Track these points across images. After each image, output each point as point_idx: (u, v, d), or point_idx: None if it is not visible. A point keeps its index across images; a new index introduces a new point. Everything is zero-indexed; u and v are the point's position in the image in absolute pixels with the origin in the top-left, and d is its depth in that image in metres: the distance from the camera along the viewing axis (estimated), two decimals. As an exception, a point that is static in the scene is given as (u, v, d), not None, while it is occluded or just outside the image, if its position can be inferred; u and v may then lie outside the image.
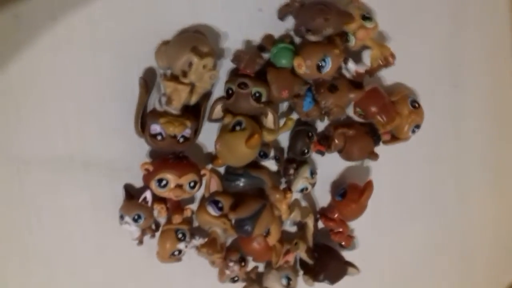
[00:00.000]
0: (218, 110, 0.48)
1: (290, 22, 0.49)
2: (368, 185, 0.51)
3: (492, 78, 0.59)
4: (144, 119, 0.45)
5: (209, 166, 0.49)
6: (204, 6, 0.47)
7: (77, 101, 0.45)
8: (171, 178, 0.44)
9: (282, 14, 0.49)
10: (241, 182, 0.48)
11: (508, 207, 0.63)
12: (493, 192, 0.61)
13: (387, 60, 0.50)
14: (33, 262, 0.46)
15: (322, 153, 0.52)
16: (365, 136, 0.52)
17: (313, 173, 0.51)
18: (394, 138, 0.53)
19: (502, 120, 0.60)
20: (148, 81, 0.45)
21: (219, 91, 0.48)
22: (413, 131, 0.53)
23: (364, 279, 0.54)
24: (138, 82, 0.45)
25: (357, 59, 0.50)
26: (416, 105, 0.53)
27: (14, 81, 0.43)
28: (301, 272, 0.54)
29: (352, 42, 0.49)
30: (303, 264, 0.53)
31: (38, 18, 0.43)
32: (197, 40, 0.44)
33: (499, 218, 0.62)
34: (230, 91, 0.46)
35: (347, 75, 0.51)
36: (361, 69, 0.50)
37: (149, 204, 0.45)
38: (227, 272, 0.49)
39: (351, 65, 0.50)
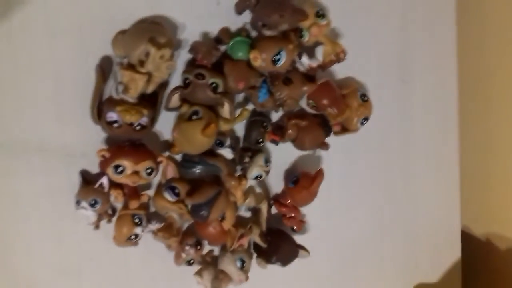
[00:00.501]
0: (175, 100, 0.49)
1: (247, 16, 0.50)
2: (319, 173, 0.54)
3: (438, 74, 0.63)
4: (100, 106, 0.45)
5: (166, 154, 0.51)
6: (163, -3, 0.48)
7: (33, 87, 0.45)
8: (127, 164, 0.45)
9: (240, 8, 0.50)
10: (197, 169, 0.49)
11: (448, 193, 0.67)
12: (435, 179, 0.65)
13: (338, 56, 0.53)
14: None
15: (276, 143, 0.54)
16: (317, 127, 0.54)
17: (267, 161, 0.54)
18: (344, 129, 0.56)
19: (445, 113, 0.64)
20: (105, 68, 0.46)
21: (176, 80, 0.49)
22: (362, 123, 0.56)
23: (314, 261, 0.57)
24: (95, 69, 0.45)
25: (311, 53, 0.53)
26: (366, 98, 0.56)
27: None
28: (254, 255, 0.56)
29: (306, 38, 0.51)
30: (256, 247, 0.56)
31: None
32: (155, 30, 0.45)
33: (440, 203, 0.66)
34: (187, 81, 0.47)
35: (301, 68, 0.53)
36: (314, 63, 0.52)
37: (106, 189, 0.46)
38: (183, 255, 0.51)
39: (305, 60, 0.52)
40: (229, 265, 0.53)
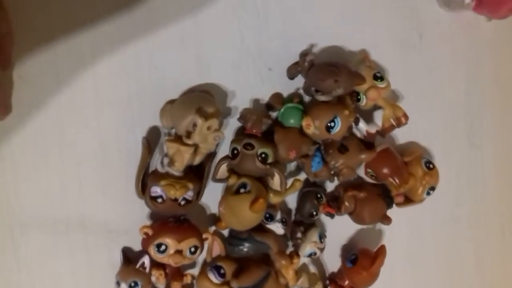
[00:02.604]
0: (223, 170, 0.46)
1: (299, 81, 0.48)
2: (381, 251, 0.48)
3: (510, 137, 0.57)
4: (145, 180, 0.43)
5: (212, 228, 0.47)
6: (213, 64, 0.47)
7: (77, 161, 0.44)
8: (170, 243, 0.42)
9: (292, 73, 0.48)
10: (245, 247, 0.46)
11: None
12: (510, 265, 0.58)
13: (399, 120, 0.49)
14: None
15: (331, 216, 0.50)
16: (377, 198, 0.49)
17: (322, 237, 0.49)
18: (408, 200, 0.51)
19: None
20: (151, 141, 0.44)
21: (224, 149, 0.47)
22: (428, 193, 0.50)
23: None
24: (141, 142, 0.44)
25: (369, 119, 0.49)
26: (431, 166, 0.50)
27: (14, 141, 0.43)
28: None
29: (363, 102, 0.48)
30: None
31: (41, 78, 0.43)
32: (203, 100, 0.43)
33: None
34: (236, 151, 0.45)
35: (358, 135, 0.49)
36: (373, 129, 0.48)
37: (147, 270, 0.43)
38: None
39: (362, 125, 0.48)
40: None
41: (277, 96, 0.48)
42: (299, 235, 0.48)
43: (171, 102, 0.45)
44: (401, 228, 0.53)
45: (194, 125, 0.42)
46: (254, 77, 0.48)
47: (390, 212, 0.50)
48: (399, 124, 0.49)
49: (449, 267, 0.55)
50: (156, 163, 0.44)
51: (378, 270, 0.49)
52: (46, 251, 0.44)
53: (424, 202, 0.51)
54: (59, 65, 0.43)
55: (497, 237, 0.57)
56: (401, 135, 0.53)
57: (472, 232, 0.56)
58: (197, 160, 0.44)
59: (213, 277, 0.44)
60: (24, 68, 0.42)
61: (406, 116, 0.49)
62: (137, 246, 0.45)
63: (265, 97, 0.48)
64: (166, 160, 0.43)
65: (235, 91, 0.48)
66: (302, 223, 0.49)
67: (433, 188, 0.50)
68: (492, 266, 0.57)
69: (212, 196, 0.47)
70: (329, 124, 0.44)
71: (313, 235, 0.48)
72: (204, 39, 0.47)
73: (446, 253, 0.55)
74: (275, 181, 0.46)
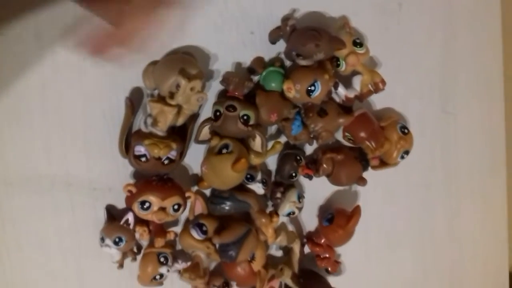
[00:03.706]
0: (205, 132, 0.47)
1: (281, 45, 0.48)
2: (356, 211, 0.50)
3: (483, 105, 0.59)
4: (128, 139, 0.44)
5: (195, 188, 0.49)
6: (196, 27, 0.47)
7: (61, 121, 0.44)
8: (154, 200, 0.43)
9: (274, 37, 0.49)
10: (226, 206, 0.47)
11: (496, 233, 0.62)
12: (482, 217, 0.61)
13: (377, 86, 0.50)
14: (10, 285, 0.45)
15: (310, 177, 0.52)
16: (354, 161, 0.51)
17: (300, 197, 0.51)
18: (383, 163, 0.53)
19: (492, 147, 0.60)
20: (134, 101, 0.45)
21: (207, 112, 0.48)
22: (402, 157, 0.52)
23: (350, 306, 0.53)
24: (124, 102, 0.44)
25: (348, 84, 0.50)
26: (406, 130, 0.52)
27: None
28: (286, 298, 0.53)
29: (343, 67, 0.49)
30: (288, 289, 0.52)
31: (23, 40, 0.42)
32: (186, 62, 0.44)
33: (487, 243, 0.62)
34: (218, 113, 0.46)
35: (337, 99, 0.50)
36: (351, 94, 0.50)
37: (131, 226, 0.44)
38: (210, 297, 0.48)
39: (341, 90, 0.49)
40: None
41: (259, 60, 0.49)
42: (278, 195, 0.50)
43: (154, 63, 0.45)
44: (376, 190, 0.55)
45: (177, 86, 0.42)
46: (237, 41, 0.48)
47: (366, 175, 0.52)
48: (377, 89, 0.51)
49: (421, 228, 0.58)
50: (139, 123, 0.45)
51: (353, 228, 0.51)
52: (31, 209, 0.44)
53: (399, 166, 0.53)
54: (39, 26, 0.43)
55: (466, 202, 0.60)
56: (378, 101, 0.54)
57: (444, 196, 0.59)
58: (180, 121, 0.45)
59: (195, 234, 0.46)
60: (3, 28, 0.42)
61: (383, 82, 0.50)
62: (121, 204, 0.46)
63: (247, 61, 0.49)
64: (149, 120, 0.43)
65: (217, 54, 0.48)
66: (282, 184, 0.51)
67: (407, 152, 0.52)
68: (462, 230, 0.60)
69: (194, 157, 0.48)
70: (309, 88, 0.45)
71: (292, 196, 0.50)
72: (188, 1, 0.47)
73: (419, 217, 0.58)
74: (256, 143, 0.47)
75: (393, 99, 0.54)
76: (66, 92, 0.44)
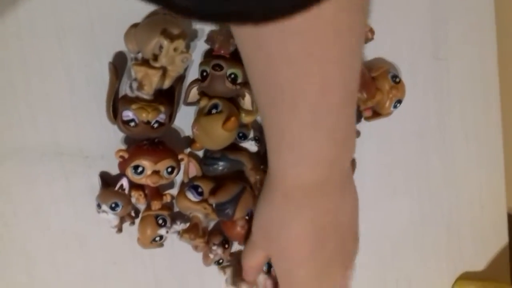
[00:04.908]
0: (193, 93, 0.47)
1: None
2: (351, 163, 0.50)
3: (475, 50, 0.58)
4: (116, 105, 0.43)
5: (188, 150, 0.49)
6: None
7: (45, 90, 0.44)
8: (147, 164, 0.43)
9: (256, -9, 0.47)
10: (219, 166, 0.47)
11: (492, 178, 0.62)
12: (478, 164, 0.61)
13: (366, 36, 0.49)
14: (10, 255, 0.45)
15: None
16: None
17: (294, 153, 0.51)
18: (376, 114, 0.53)
19: (485, 92, 0.60)
20: (117, 66, 0.44)
21: (193, 73, 0.47)
22: (395, 106, 0.52)
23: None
24: (107, 67, 0.43)
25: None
26: (397, 79, 0.52)
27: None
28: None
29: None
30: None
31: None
32: (168, 22, 0.42)
33: (484, 187, 0.62)
34: (205, 73, 0.45)
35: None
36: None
37: (126, 191, 0.45)
38: (211, 256, 0.49)
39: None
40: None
41: (243, 16, 0.48)
42: (272, 152, 0.50)
43: (135, 25, 0.44)
44: (371, 141, 0.55)
45: (160, 47, 0.41)
46: (219, -3, 0.47)
47: (359, 126, 0.52)
48: (366, 39, 0.50)
49: (418, 177, 0.59)
50: (125, 88, 0.44)
51: (349, 180, 0.51)
52: (24, 180, 0.44)
53: (392, 115, 0.53)
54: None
55: (461, 147, 0.60)
56: (368, 51, 0.53)
57: (438, 144, 0.59)
58: (167, 84, 0.44)
59: (191, 196, 0.46)
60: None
61: (372, 31, 0.49)
62: (114, 171, 0.46)
63: (231, 18, 0.48)
64: (134, 84, 0.42)
65: (200, 12, 0.47)
66: (275, 141, 0.51)
67: (399, 101, 0.52)
68: (458, 175, 0.61)
69: (185, 120, 0.48)
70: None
71: (286, 152, 0.50)
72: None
73: (414, 165, 0.58)
74: (246, 101, 0.47)
75: (383, 48, 0.53)
76: (47, 61, 0.43)
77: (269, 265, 0.49)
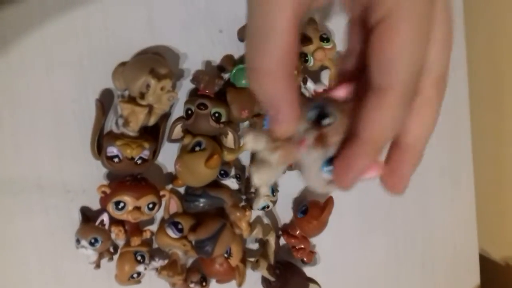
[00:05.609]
0: (177, 131, 0.48)
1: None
2: (329, 202, 0.52)
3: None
4: (100, 141, 0.44)
5: (169, 187, 0.49)
6: (164, 27, 0.47)
7: (31, 123, 0.44)
8: (128, 200, 0.43)
9: (243, 35, 0.49)
10: (200, 203, 0.48)
11: (464, 216, 0.65)
12: (451, 202, 0.63)
13: (345, 80, 0.52)
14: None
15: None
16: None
17: (274, 191, 0.52)
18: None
19: (457, 131, 0.62)
20: (104, 103, 0.45)
21: (178, 111, 0.48)
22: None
23: (326, 294, 0.55)
24: (94, 103, 0.44)
25: (316, 78, 0.51)
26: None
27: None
28: (263, 289, 0.54)
29: (311, 63, 0.50)
30: (265, 281, 0.53)
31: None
32: (155, 62, 0.44)
33: (456, 227, 0.64)
34: (190, 112, 0.46)
35: (307, 94, 0.52)
36: (320, 88, 0.51)
37: (107, 227, 0.45)
38: (189, 293, 0.49)
39: (310, 85, 0.51)
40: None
41: (228, 58, 0.49)
42: (253, 189, 0.51)
43: (123, 64, 0.45)
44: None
45: (148, 86, 0.42)
46: (206, 39, 0.49)
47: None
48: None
49: (392, 214, 0.60)
50: (111, 124, 0.45)
51: (327, 218, 0.52)
52: (3, 211, 0.44)
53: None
54: (7, 26, 0.42)
55: (435, 186, 0.62)
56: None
57: (413, 181, 0.60)
58: (152, 121, 0.45)
59: (171, 232, 0.46)
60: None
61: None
62: (95, 205, 0.46)
63: (216, 59, 0.49)
64: (120, 121, 0.43)
65: (187, 53, 0.48)
66: (256, 179, 0.52)
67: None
68: (433, 213, 0.62)
69: (168, 156, 0.48)
70: (278, 84, 0.46)
71: (266, 189, 0.51)
72: (154, 0, 0.47)
73: (390, 204, 0.60)
74: (229, 139, 0.48)
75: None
76: (34, 93, 0.44)
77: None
